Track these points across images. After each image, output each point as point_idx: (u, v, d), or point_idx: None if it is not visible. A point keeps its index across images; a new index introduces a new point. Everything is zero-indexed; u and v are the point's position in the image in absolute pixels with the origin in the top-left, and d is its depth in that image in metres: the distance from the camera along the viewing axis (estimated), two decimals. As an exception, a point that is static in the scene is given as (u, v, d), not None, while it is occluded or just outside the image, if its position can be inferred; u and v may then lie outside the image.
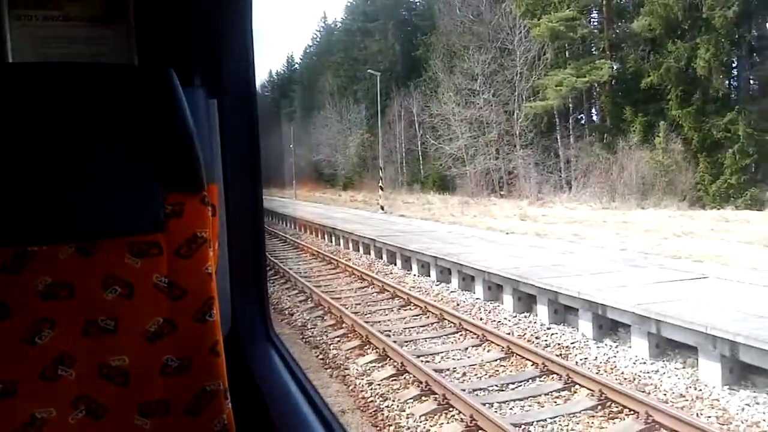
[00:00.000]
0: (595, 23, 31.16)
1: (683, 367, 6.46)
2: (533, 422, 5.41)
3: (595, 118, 32.59)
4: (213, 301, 0.90)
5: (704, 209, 22.65)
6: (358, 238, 16.24)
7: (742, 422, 5.25)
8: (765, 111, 24.42)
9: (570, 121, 31.96)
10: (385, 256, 14.44)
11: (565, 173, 30.05)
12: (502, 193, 33.02)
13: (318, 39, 66.14)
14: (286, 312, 10.00)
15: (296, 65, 71.99)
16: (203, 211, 0.90)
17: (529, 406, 5.81)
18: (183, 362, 0.89)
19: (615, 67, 28.67)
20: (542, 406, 5.79)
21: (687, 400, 5.73)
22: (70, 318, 0.84)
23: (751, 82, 26.76)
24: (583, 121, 33.05)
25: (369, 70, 32.41)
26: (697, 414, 5.40)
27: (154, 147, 0.88)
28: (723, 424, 5.20)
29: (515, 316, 9.00)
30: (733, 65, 26.43)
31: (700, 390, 5.91)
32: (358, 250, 16.02)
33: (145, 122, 0.88)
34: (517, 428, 5.17)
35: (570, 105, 31.45)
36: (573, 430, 5.24)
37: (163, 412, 0.89)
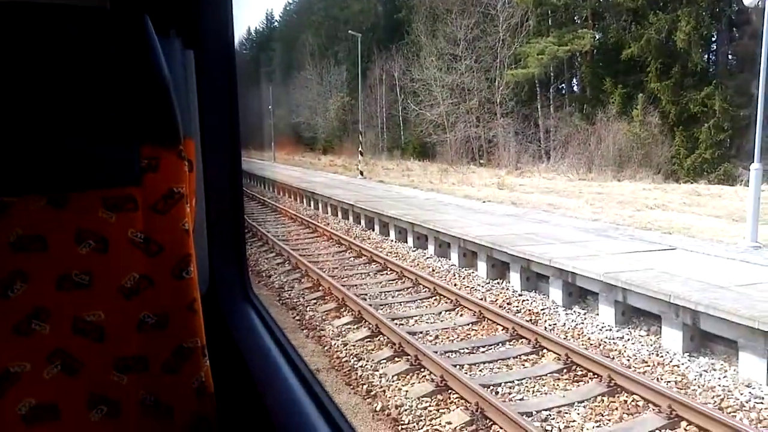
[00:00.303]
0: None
1: (647, 335, 6.75)
2: (501, 383, 5.64)
3: (575, 88, 32.75)
4: (190, 258, 0.88)
5: (678, 183, 23.16)
6: (337, 203, 16.29)
7: (699, 387, 5.53)
8: (741, 86, 24.79)
9: (551, 91, 32.08)
10: (363, 222, 14.55)
11: (545, 143, 30.32)
12: (481, 161, 33.18)
13: (298, -4, 64.88)
14: (264, 274, 10.09)
15: (276, 23, 70.64)
16: (180, 166, 0.88)
17: (498, 368, 6.05)
18: (160, 319, 0.88)
19: (597, 37, 28.68)
20: (511, 369, 6.03)
21: (649, 366, 6.01)
22: (43, 272, 0.83)
23: (730, 57, 27.06)
24: (563, 91, 33.20)
25: (350, 31, 31.75)
26: (658, 379, 5.67)
27: (128, 97, 0.85)
28: (681, 389, 5.47)
29: (488, 283, 9.22)
30: (713, 39, 26.63)
31: (662, 356, 6.19)
32: (337, 215, 16.10)
33: (118, 70, 0.84)
34: (486, 388, 5.38)
35: (551, 74, 31.51)
36: (539, 391, 5.48)
37: (140, 368, 0.88)
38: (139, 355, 0.88)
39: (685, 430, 4.70)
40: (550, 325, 7.28)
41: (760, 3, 10.46)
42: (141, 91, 0.85)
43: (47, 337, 0.83)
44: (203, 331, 0.91)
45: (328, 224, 14.74)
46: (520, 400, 5.32)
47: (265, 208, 18.18)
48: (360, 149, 27.48)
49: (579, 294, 7.91)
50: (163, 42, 0.87)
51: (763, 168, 9.84)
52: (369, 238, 13.11)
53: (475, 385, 5.34)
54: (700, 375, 5.73)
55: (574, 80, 33.01)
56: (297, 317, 7.81)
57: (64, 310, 0.84)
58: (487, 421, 4.87)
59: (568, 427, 4.86)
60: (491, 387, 5.53)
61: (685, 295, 6.27)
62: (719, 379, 5.64)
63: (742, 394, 5.31)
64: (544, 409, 5.08)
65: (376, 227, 13.71)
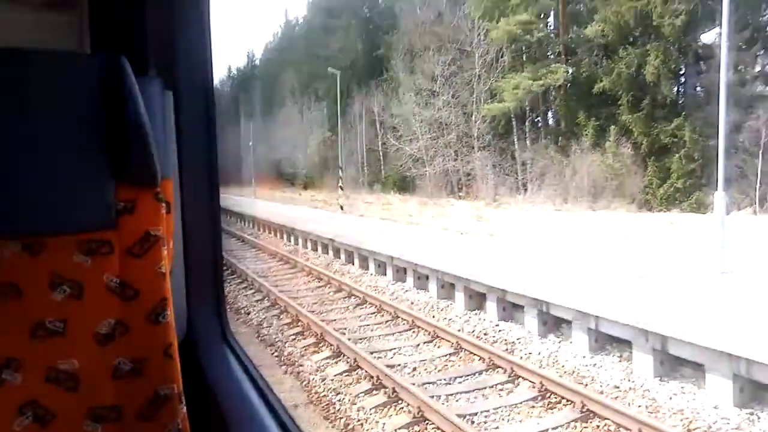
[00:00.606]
0: (552, 28, 32.00)
1: (620, 361, 6.91)
2: (478, 412, 5.74)
3: (551, 121, 33.50)
4: (167, 302, 0.88)
5: (651, 212, 23.72)
6: (317, 238, 16.39)
7: (669, 410, 5.68)
8: (709, 117, 25.62)
9: (527, 124, 32.75)
10: (343, 256, 14.64)
11: (522, 175, 30.83)
12: (460, 194, 33.58)
13: (280, 35, 65.87)
14: (243, 311, 10.12)
15: (257, 61, 71.50)
16: (157, 208, 0.87)
17: (475, 398, 6.15)
18: (135, 365, 0.86)
19: (569, 72, 29.57)
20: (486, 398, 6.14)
21: (620, 390, 6.16)
22: (17, 320, 0.81)
23: (698, 89, 28.01)
24: (539, 124, 33.91)
25: (329, 69, 32.39)
26: (629, 404, 5.81)
27: (105, 138, 0.84)
28: (651, 413, 5.62)
29: (466, 314, 9.36)
30: (681, 73, 27.60)
31: (633, 381, 6.35)
32: (317, 250, 16.17)
33: (95, 112, 0.84)
34: (462, 418, 5.46)
35: (527, 108, 32.24)
36: (513, 420, 5.58)
37: (115, 417, 0.86)
38: (114, 404, 0.86)
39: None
40: (525, 354, 7.42)
41: (716, 40, 11.01)
42: (118, 132, 0.84)
43: (19, 387, 0.81)
44: (180, 377, 0.90)
45: (308, 259, 14.81)
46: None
47: (245, 244, 18.19)
48: (339, 184, 27.74)
49: (554, 323, 8.07)
50: (142, 83, 0.87)
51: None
52: (348, 272, 13.20)
53: (451, 415, 5.44)
54: (670, 398, 5.89)
55: (550, 113, 33.80)
56: (275, 353, 7.84)
57: (38, 359, 0.82)
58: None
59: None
60: (467, 416, 5.63)
61: (653, 321, 6.48)
62: (687, 402, 5.80)
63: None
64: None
65: (356, 261, 13.81)
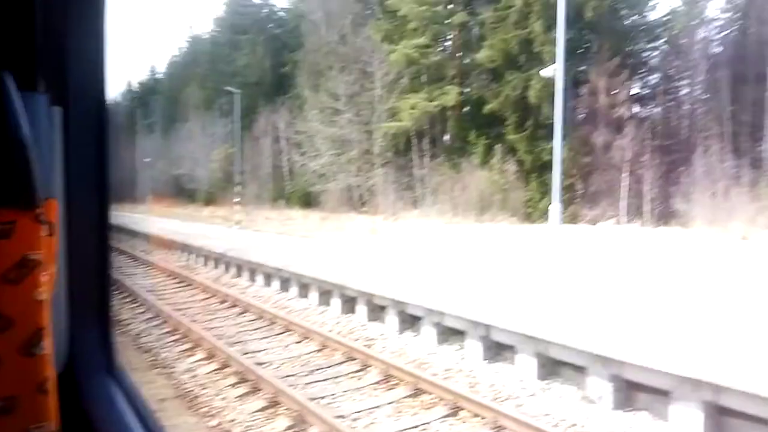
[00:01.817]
0: (447, 52, 34.14)
1: (459, 349, 8.11)
2: (327, 395, 6.67)
3: (446, 139, 35.59)
4: (43, 332, 0.82)
5: (533, 223, 25.97)
6: (208, 253, 16.87)
7: (486, 385, 6.87)
8: (584, 137, 28.53)
9: (425, 142, 34.64)
10: (233, 269, 15.25)
11: (419, 190, 32.59)
12: (363, 209, 34.81)
13: (185, 50, 64.88)
14: (123, 323, 10.52)
15: (160, 75, 69.98)
16: (36, 230, 0.82)
17: (329, 384, 7.09)
18: (6, 403, 0.80)
19: (462, 93, 31.73)
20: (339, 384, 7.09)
21: (451, 372, 7.32)
22: None
23: (575, 111, 30.82)
24: (436, 142, 35.94)
25: (227, 88, 32.74)
26: (455, 381, 6.96)
27: None
28: (471, 387, 6.79)
29: (339, 317, 10.33)
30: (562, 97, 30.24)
31: (464, 364, 7.54)
32: (208, 265, 16.64)
33: None
34: (313, 401, 6.37)
35: (425, 126, 34.16)
36: (355, 399, 6.57)
37: None
38: None
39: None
40: (381, 348, 8.47)
41: (555, 73, 12.79)
42: None
43: None
44: (57, 414, 0.84)
45: (198, 274, 15.27)
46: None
47: (136, 261, 18.28)
48: (236, 200, 28.10)
49: (411, 321, 9.20)
50: (27, 99, 0.84)
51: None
52: (236, 285, 13.84)
53: (303, 399, 6.33)
54: (490, 376, 7.11)
55: (446, 132, 35.90)
56: (151, 359, 8.40)
57: None
58: (305, 424, 5.86)
59: (373, 423, 5.97)
60: (318, 398, 6.55)
61: (480, 313, 7.73)
62: (504, 380, 7.04)
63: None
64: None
65: (245, 274, 14.47)
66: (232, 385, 7.04)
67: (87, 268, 1.13)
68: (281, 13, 54.32)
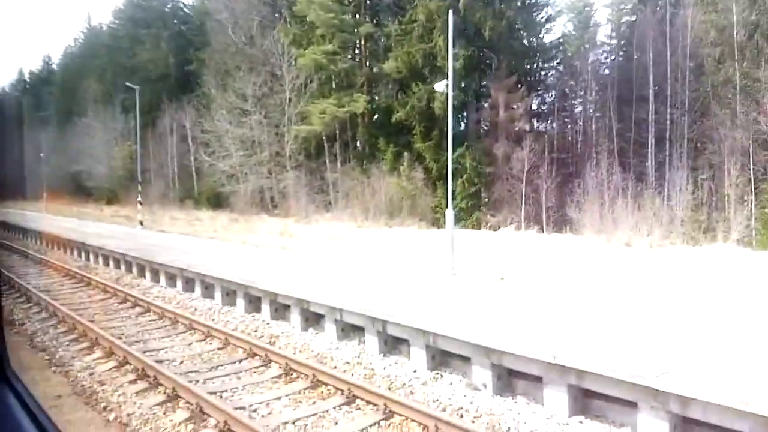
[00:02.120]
0: (356, 60, 34.75)
1: (358, 344, 8.57)
2: (228, 389, 6.90)
3: (358, 145, 36.22)
4: None
5: (439, 228, 27.08)
6: (109, 253, 16.37)
7: (381, 376, 7.37)
8: (486, 148, 30.04)
9: (336, 147, 35.03)
10: (135, 270, 14.92)
11: (330, 194, 32.97)
12: (276, 211, 34.63)
13: (81, 41, 61.61)
14: (17, 323, 10.13)
15: (54, 65, 65.95)
16: None
17: (230, 379, 7.32)
18: None
19: (371, 101, 32.43)
20: (240, 378, 7.34)
21: (350, 365, 7.76)
22: None
23: (478, 123, 32.47)
24: (348, 147, 36.50)
25: (127, 83, 31.55)
26: (352, 374, 7.41)
27: None
28: (367, 378, 7.26)
29: (244, 316, 10.51)
30: (464, 108, 31.70)
31: (362, 358, 8.01)
32: (108, 265, 16.15)
33: None
34: (213, 395, 6.58)
35: (337, 131, 34.56)
36: (256, 392, 6.85)
37: None
38: None
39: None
40: (284, 344, 8.78)
41: (446, 89, 13.68)
42: None
43: None
44: None
45: (98, 274, 14.82)
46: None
47: (28, 260, 17.37)
48: (138, 199, 27.25)
49: (314, 318, 9.56)
50: None
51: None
52: (139, 285, 13.59)
53: (203, 392, 6.53)
54: (384, 368, 7.61)
55: (357, 138, 36.53)
56: (47, 358, 8.23)
57: None
58: (205, 415, 6.08)
59: (271, 413, 6.28)
60: (219, 393, 6.77)
61: (377, 309, 8.25)
62: (397, 371, 7.57)
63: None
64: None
65: (148, 274, 14.23)
66: (131, 382, 7.10)
67: None
68: (186, 10, 52.99)
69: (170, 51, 47.26)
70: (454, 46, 28.20)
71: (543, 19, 32.75)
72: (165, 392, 6.67)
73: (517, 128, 30.76)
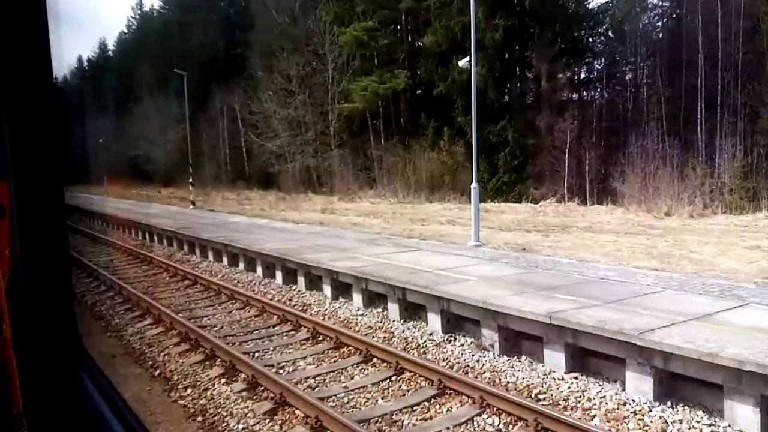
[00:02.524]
0: (397, 36, 34.87)
1: (382, 311, 9.19)
2: (261, 350, 7.67)
3: (401, 121, 36.55)
4: (1, 316, 0.76)
5: (484, 203, 27.29)
6: (162, 231, 17.56)
7: (399, 338, 7.95)
8: (528, 120, 29.78)
9: (380, 124, 35.52)
10: (186, 246, 16.02)
11: (373, 171, 33.56)
12: (322, 189, 35.55)
13: (134, 27, 63.64)
14: (78, 296, 11.28)
15: (110, 52, 68.46)
16: None
17: (263, 341, 8.09)
18: None
19: (412, 76, 32.59)
20: (272, 341, 8.09)
21: (372, 329, 8.39)
22: None
23: (519, 95, 32.16)
24: (391, 124, 36.92)
25: (175, 70, 32.83)
26: (372, 336, 8.04)
27: None
28: (386, 340, 7.87)
29: (281, 287, 11.31)
30: (505, 80, 31.43)
31: (383, 322, 8.63)
32: (162, 242, 17.36)
33: None
34: (247, 355, 7.35)
35: (380, 108, 35.04)
36: (286, 352, 7.58)
37: None
38: None
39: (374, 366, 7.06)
40: (316, 311, 9.50)
41: (467, 65, 13.87)
42: None
43: None
44: (19, 397, 0.79)
45: (152, 251, 16.00)
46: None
47: (90, 239, 18.84)
48: (191, 181, 28.62)
49: (343, 288, 10.22)
50: None
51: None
52: (188, 261, 14.66)
53: (238, 353, 7.29)
54: (403, 331, 8.21)
55: (399, 114, 36.85)
56: (104, 324, 9.25)
57: None
58: (237, 371, 6.84)
59: (296, 370, 6.98)
60: (253, 353, 7.55)
61: (400, 278, 8.82)
62: (414, 333, 8.14)
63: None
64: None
65: (197, 250, 15.27)
66: (176, 344, 7.97)
67: (43, 249, 1.09)
68: None
69: (218, 35, 48.42)
70: (495, 16, 28.23)
71: (588, -16, 31.92)
72: (204, 352, 7.50)
73: (561, 98, 30.40)
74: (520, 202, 27.09)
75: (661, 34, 34.21)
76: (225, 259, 13.93)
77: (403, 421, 5.39)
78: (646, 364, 5.54)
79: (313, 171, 37.31)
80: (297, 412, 5.60)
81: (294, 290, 10.99)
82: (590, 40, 34.45)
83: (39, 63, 1.06)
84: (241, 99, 41.95)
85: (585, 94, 35.20)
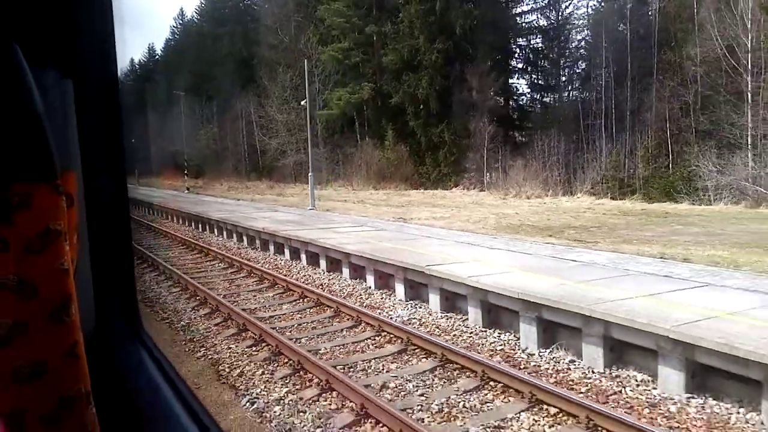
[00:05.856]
0: (367, 55, 32.34)
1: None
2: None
3: (368, 125, 34.51)
4: (70, 299, 0.63)
5: (421, 189, 26.06)
6: (223, 225, 14.12)
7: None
8: (463, 124, 27.85)
9: (355, 127, 33.38)
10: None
11: (343, 166, 31.68)
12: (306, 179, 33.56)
13: (177, 34, 56.79)
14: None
15: (157, 57, 61.43)
16: (56, 201, 0.62)
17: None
18: (37, 368, 0.61)
19: (375, 89, 30.52)
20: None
21: (377, 310, 7.07)
22: None
23: (459, 104, 29.84)
24: (364, 127, 34.76)
25: (175, 91, 30.02)
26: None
27: None
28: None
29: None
30: (443, 92, 29.20)
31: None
32: (214, 232, 14.45)
33: None
34: (275, 329, 6.01)
35: (354, 114, 32.86)
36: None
37: (17, 424, 0.60)
38: (15, 410, 0.60)
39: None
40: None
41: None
42: (10, 124, 0.59)
43: None
44: (87, 377, 0.66)
45: (207, 241, 13.71)
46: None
47: (143, 228, 16.42)
48: (185, 172, 26.37)
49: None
50: (38, 72, 0.63)
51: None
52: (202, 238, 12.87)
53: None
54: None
55: (367, 120, 34.75)
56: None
57: None
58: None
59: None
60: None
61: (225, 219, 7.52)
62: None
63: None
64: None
65: (234, 236, 12.85)
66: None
67: (108, 238, 0.89)
68: (256, 7, 47.19)
69: (244, 46, 43.67)
70: (434, 42, 26.26)
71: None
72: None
73: (488, 107, 28.64)
74: (450, 190, 25.70)
75: (578, 52, 31.15)
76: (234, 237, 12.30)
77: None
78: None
79: (303, 165, 35.20)
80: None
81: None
82: (520, 54, 32.01)
83: (105, 62, 0.87)
84: (254, 103, 38.93)
85: (511, 103, 32.95)
